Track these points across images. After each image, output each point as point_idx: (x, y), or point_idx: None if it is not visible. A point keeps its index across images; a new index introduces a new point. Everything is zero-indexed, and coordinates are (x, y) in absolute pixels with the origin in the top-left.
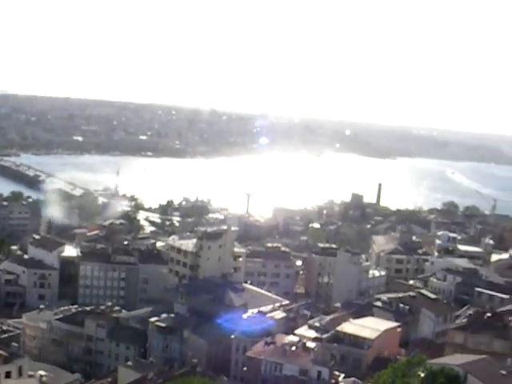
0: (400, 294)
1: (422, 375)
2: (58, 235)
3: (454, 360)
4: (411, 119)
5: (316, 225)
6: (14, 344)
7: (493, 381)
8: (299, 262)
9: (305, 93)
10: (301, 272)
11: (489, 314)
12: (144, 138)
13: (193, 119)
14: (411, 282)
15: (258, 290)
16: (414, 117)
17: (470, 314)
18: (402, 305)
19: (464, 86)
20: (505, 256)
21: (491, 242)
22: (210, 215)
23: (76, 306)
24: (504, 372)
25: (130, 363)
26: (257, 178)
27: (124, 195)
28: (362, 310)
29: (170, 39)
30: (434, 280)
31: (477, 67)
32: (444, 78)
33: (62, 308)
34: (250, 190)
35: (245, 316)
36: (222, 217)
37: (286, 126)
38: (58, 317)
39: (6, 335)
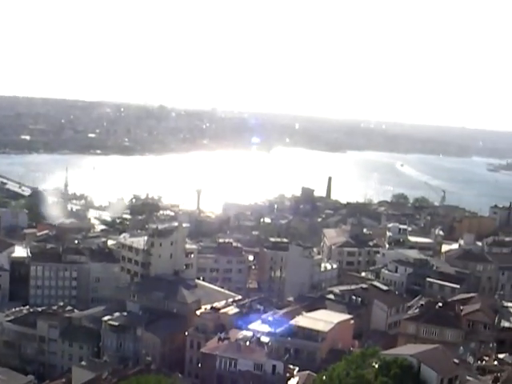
0: (352, 287)
1: (376, 366)
2: (7, 236)
3: (407, 350)
4: (360, 113)
5: (267, 219)
6: None
7: (445, 369)
8: (251, 257)
9: (253, 87)
10: (253, 267)
11: (440, 304)
12: (93, 135)
13: (141, 116)
14: (363, 274)
15: (211, 285)
16: (362, 110)
17: (422, 305)
18: (354, 297)
19: (411, 78)
20: (455, 246)
21: (441, 232)
22: (161, 212)
23: (27, 307)
24: (456, 360)
25: (83, 363)
26: (207, 175)
27: (74, 194)
28: (314, 304)
29: (115, 35)
30: (386, 272)
31: (422, 60)
32: (391, 71)
33: (14, 309)
34: (200, 186)
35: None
36: (172, 214)
37: (236, 121)
38: (9, 318)
39: None
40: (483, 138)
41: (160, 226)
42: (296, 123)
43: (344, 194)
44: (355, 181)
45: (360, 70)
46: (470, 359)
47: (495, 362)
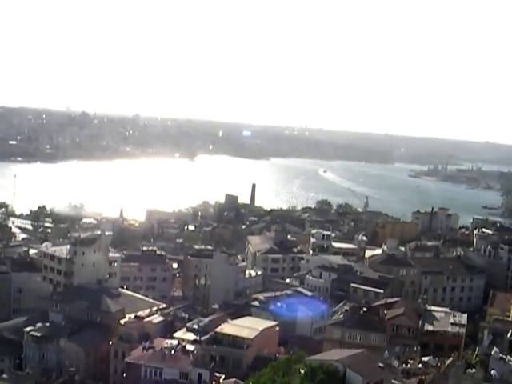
0: (277, 293)
1: (302, 372)
2: None
3: (332, 355)
4: (284, 119)
5: (191, 227)
6: None
7: (371, 373)
8: (175, 265)
9: (175, 93)
10: (177, 275)
11: (364, 309)
12: (14, 142)
13: (64, 123)
14: (287, 280)
15: (135, 294)
16: (286, 117)
17: (347, 310)
18: (279, 303)
19: (332, 84)
20: (378, 251)
21: (365, 238)
22: (84, 220)
23: None
24: (381, 364)
25: (5, 376)
26: (130, 182)
27: None
28: (240, 311)
29: (35, 41)
30: (310, 278)
31: (344, 66)
32: (313, 76)
33: None
34: (123, 193)
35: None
36: (95, 222)
37: (159, 128)
38: None
39: None
40: (405, 144)
41: (82, 235)
42: (219, 130)
43: (268, 201)
44: (279, 188)
45: (282, 75)
46: (395, 363)
47: (420, 365)
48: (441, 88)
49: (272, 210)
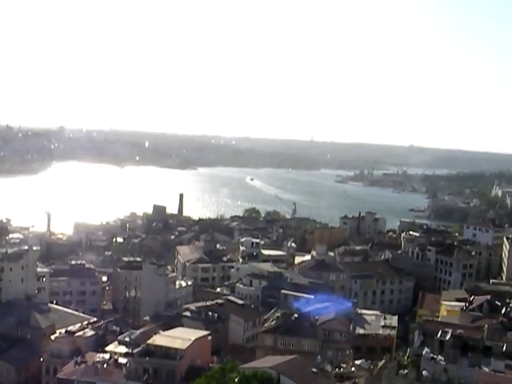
0: (208, 303)
1: (236, 381)
2: None
3: (265, 363)
4: (210, 129)
5: (120, 239)
6: None
7: (304, 379)
8: (105, 278)
9: (100, 105)
10: (107, 288)
11: (296, 315)
12: None
13: None
14: (218, 289)
15: (65, 309)
16: (213, 126)
17: (278, 317)
18: (210, 313)
19: (257, 92)
20: (307, 257)
21: (294, 244)
22: (10, 236)
23: None
24: (314, 370)
25: None
26: (57, 195)
27: None
28: (171, 322)
29: None
30: (241, 286)
31: (270, 75)
32: (239, 85)
33: None
34: (50, 207)
35: None
36: (22, 237)
37: (85, 140)
38: None
39: None
40: (331, 150)
41: (9, 250)
42: (146, 141)
43: (196, 211)
44: (207, 197)
45: (207, 83)
46: (328, 367)
47: (353, 369)
48: (365, 93)
49: (200, 220)
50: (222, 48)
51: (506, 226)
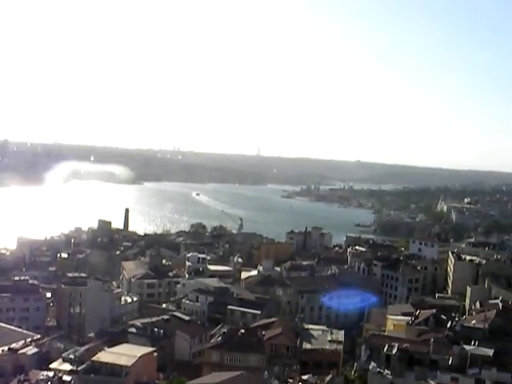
0: (154, 319)
1: None
2: None
3: (212, 379)
4: (156, 143)
5: (64, 254)
6: None
7: None
8: (49, 294)
9: (44, 118)
10: (51, 304)
11: (242, 331)
12: None
13: None
14: (164, 305)
15: (7, 326)
16: (158, 140)
17: (224, 332)
18: (156, 329)
19: (205, 107)
20: (254, 272)
21: (240, 259)
22: None
23: None
24: None
25: None
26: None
27: None
28: (116, 338)
29: None
30: (187, 302)
31: (211, 88)
32: (184, 100)
33: None
34: None
35: None
36: None
37: (29, 154)
38: None
39: None
40: (278, 165)
41: None
42: (91, 155)
43: (142, 226)
44: (152, 212)
45: (151, 98)
46: (275, 383)
47: None
48: (311, 108)
49: (146, 235)
50: (164, 61)
51: (452, 240)
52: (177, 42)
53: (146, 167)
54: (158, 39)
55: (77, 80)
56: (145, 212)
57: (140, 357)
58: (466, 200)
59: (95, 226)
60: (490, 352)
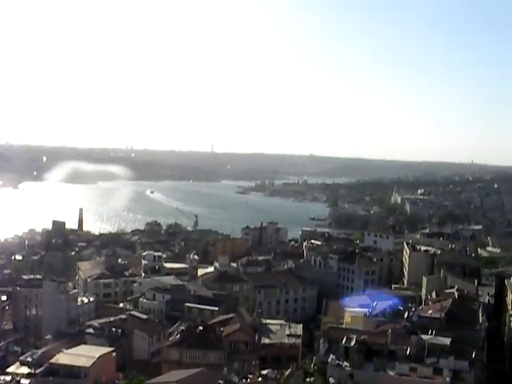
0: (111, 318)
1: None
2: None
3: (171, 377)
4: (109, 141)
5: (18, 256)
6: None
7: None
8: (4, 297)
9: None
10: (7, 307)
11: (201, 328)
12: None
13: None
14: (121, 304)
15: None
16: (111, 139)
17: (183, 330)
18: (114, 329)
19: (154, 104)
20: (210, 269)
21: (196, 257)
22: None
23: None
24: (221, 381)
25: None
26: None
27: None
28: (74, 339)
29: None
30: (144, 300)
31: (160, 87)
32: (133, 96)
33: None
34: None
35: None
36: None
37: None
38: None
39: None
40: (231, 161)
41: None
42: (44, 156)
43: (97, 225)
44: (107, 211)
45: (103, 95)
46: (235, 378)
47: (259, 379)
48: (263, 103)
49: (101, 235)
50: (118, 58)
51: (406, 231)
52: (129, 38)
53: (100, 166)
54: (110, 38)
55: (28, 80)
56: (99, 211)
57: (98, 357)
58: (419, 191)
59: (50, 227)
60: (447, 341)
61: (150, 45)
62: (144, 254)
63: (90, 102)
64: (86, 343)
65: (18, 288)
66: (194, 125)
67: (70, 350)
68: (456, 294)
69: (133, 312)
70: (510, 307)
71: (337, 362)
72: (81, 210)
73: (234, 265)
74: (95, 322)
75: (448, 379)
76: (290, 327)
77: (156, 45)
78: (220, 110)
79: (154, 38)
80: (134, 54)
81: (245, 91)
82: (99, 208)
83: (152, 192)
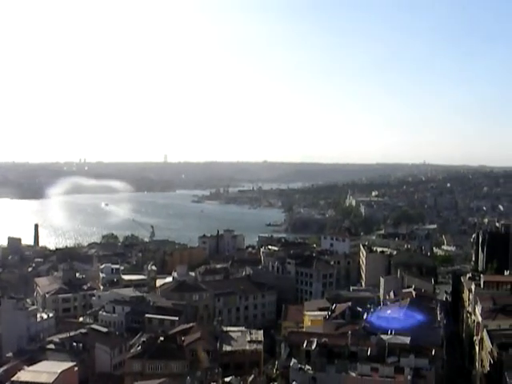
0: (72, 333)
1: None
2: None
3: None
4: (61, 155)
5: None
6: None
7: None
8: None
9: None
10: None
11: (162, 338)
12: None
13: None
14: (81, 319)
15: None
16: (64, 153)
17: (144, 341)
18: (75, 343)
19: (107, 116)
20: (169, 279)
21: (154, 267)
22: None
23: None
24: None
25: None
26: None
27: None
28: (35, 356)
29: None
30: (104, 313)
31: (115, 97)
32: (85, 109)
33: None
34: None
35: None
36: None
37: None
38: None
39: None
40: (186, 170)
41: None
42: None
43: (52, 240)
44: (62, 225)
45: (52, 110)
46: None
47: None
48: (215, 112)
49: (57, 249)
50: (64, 69)
51: (362, 233)
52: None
53: (53, 180)
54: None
55: None
56: (55, 226)
57: (60, 373)
58: (373, 193)
59: (5, 243)
60: (407, 340)
61: (95, 52)
62: (102, 267)
63: (40, 114)
64: (47, 359)
65: None
66: (146, 135)
67: (31, 367)
68: (414, 294)
69: (93, 325)
70: (466, 304)
71: (299, 365)
72: (36, 226)
73: (193, 274)
74: (56, 338)
75: (409, 377)
76: (250, 333)
77: (100, 52)
78: (172, 120)
79: (101, 43)
80: (74, 65)
81: (196, 100)
82: (55, 222)
83: (107, 204)
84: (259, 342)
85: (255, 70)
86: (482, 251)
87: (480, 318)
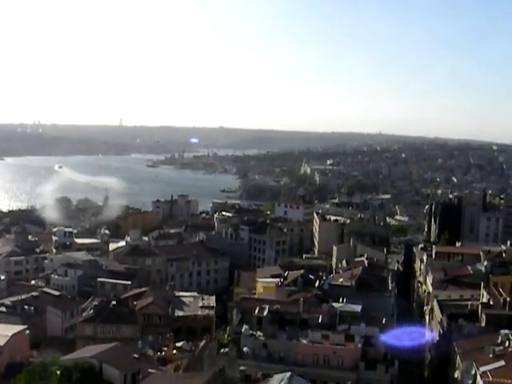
0: (23, 296)
1: (58, 373)
2: None
3: (86, 352)
4: (15, 117)
5: None
6: None
7: (127, 365)
8: None
9: None
10: None
11: (114, 302)
12: None
13: None
14: (33, 281)
15: None
16: (18, 114)
17: (96, 305)
18: (26, 306)
19: (64, 78)
20: (122, 243)
21: (107, 231)
22: None
23: None
24: (136, 355)
25: None
26: None
27: None
28: None
29: None
30: (56, 277)
31: (70, 58)
32: (47, 70)
33: None
34: None
35: None
36: None
37: None
38: None
39: None
40: (141, 134)
41: None
42: None
43: (5, 203)
44: (15, 188)
45: (12, 71)
46: (150, 352)
47: (174, 351)
48: (172, 76)
49: (10, 212)
50: (33, 34)
51: (316, 202)
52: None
53: (6, 142)
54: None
55: None
56: (7, 188)
57: (12, 336)
58: (328, 162)
59: None
60: (358, 308)
61: (57, 11)
62: (54, 230)
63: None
64: None
65: None
66: (101, 98)
67: None
68: (366, 262)
69: (45, 289)
70: (418, 274)
71: (250, 332)
72: None
73: (146, 238)
74: (7, 301)
75: (359, 345)
76: (202, 299)
77: (62, 10)
78: (128, 83)
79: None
80: (29, 21)
81: (153, 63)
82: (7, 184)
83: (60, 167)
84: (211, 307)
85: (214, 34)
86: (435, 222)
87: (431, 288)
